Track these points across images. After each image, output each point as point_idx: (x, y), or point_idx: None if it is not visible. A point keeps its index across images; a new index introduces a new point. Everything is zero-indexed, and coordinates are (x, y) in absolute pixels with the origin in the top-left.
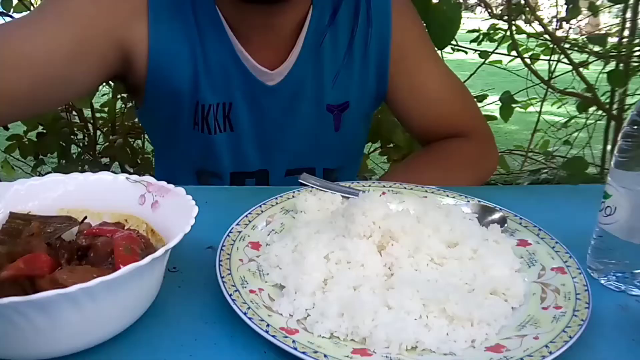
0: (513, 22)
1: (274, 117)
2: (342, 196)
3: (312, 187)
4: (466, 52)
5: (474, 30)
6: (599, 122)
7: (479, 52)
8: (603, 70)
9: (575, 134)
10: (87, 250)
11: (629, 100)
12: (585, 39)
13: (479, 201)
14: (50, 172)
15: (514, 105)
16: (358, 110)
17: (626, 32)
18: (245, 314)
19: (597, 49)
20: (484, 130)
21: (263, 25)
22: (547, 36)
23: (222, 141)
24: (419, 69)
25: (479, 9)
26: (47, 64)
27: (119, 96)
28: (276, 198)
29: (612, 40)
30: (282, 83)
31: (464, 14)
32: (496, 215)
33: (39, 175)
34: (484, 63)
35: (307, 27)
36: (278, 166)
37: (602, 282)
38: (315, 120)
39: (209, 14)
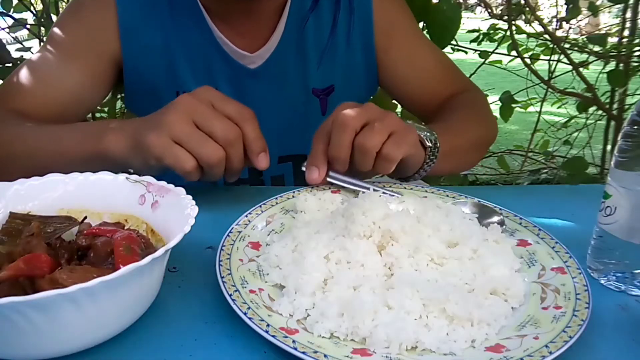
0: (513, 22)
1: (260, 102)
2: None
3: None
4: (466, 52)
5: (474, 30)
6: (599, 122)
7: (479, 52)
8: (603, 70)
9: (575, 134)
10: (87, 250)
11: (629, 100)
12: (585, 39)
13: (479, 201)
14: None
15: (514, 105)
16: (345, 95)
17: (626, 32)
18: (245, 314)
19: (597, 49)
20: (476, 87)
21: (242, 11)
22: (547, 36)
23: None
24: (407, 49)
25: (479, 9)
26: (66, 96)
27: (119, 96)
28: (276, 198)
29: (612, 40)
30: (264, 66)
31: (464, 14)
32: (495, 218)
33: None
34: (484, 63)
35: (287, 12)
36: (269, 153)
37: (602, 282)
38: (301, 104)
39: (187, 2)
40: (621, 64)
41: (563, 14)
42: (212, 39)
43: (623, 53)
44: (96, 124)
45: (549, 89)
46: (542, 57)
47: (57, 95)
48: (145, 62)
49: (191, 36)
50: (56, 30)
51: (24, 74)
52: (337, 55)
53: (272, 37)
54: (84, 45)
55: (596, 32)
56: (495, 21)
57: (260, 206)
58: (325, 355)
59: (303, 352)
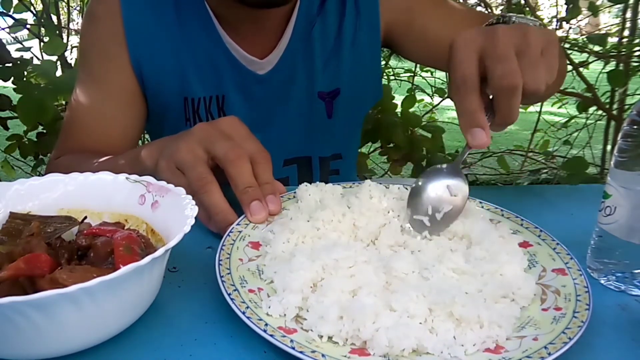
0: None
1: (268, 107)
2: (343, 187)
3: None
4: None
5: None
6: (599, 122)
7: None
8: (603, 70)
9: (575, 134)
10: (87, 250)
11: (629, 100)
12: (585, 39)
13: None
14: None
15: None
16: (350, 97)
17: (626, 32)
18: (243, 313)
19: (597, 49)
20: None
21: (252, 17)
22: None
23: None
24: (431, 10)
25: (479, 9)
26: (113, 127)
27: None
28: None
29: (612, 40)
30: (272, 71)
31: None
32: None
33: (39, 175)
34: None
35: (295, 16)
36: (275, 156)
37: (602, 282)
38: (307, 108)
39: (195, 7)
40: (621, 64)
41: (563, 14)
42: (222, 45)
43: (623, 53)
44: (139, 149)
45: None
46: None
47: (103, 128)
48: (153, 68)
49: (200, 42)
50: (81, 53)
51: (73, 118)
52: (343, 58)
53: (280, 43)
54: (111, 74)
55: (596, 32)
56: None
57: None
58: (323, 355)
59: (301, 352)
